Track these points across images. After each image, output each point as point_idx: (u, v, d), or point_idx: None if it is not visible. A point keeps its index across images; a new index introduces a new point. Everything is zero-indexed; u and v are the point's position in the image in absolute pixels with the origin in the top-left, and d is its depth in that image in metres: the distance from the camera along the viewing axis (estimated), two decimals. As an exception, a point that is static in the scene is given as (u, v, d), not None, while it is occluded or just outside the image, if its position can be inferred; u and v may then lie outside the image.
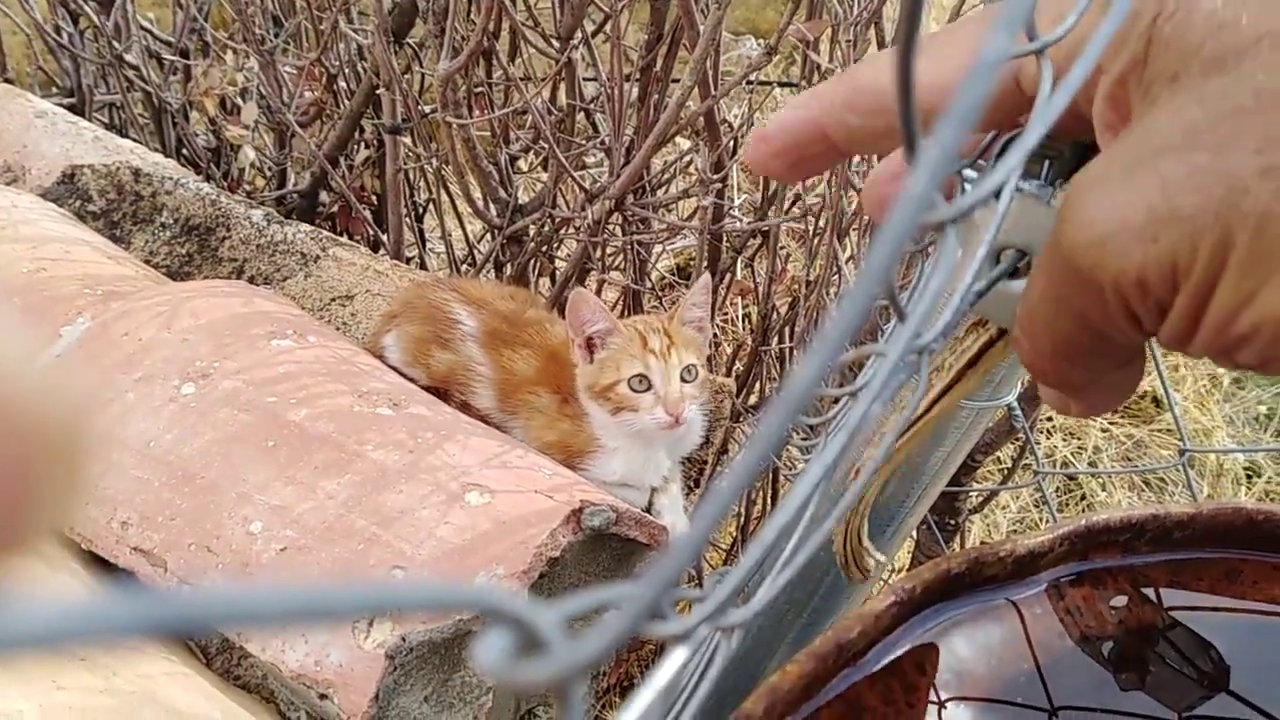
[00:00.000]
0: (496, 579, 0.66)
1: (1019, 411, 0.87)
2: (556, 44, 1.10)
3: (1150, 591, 0.46)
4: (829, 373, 0.16)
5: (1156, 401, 1.99)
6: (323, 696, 0.66)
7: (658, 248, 1.48)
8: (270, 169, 1.58)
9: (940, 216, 0.18)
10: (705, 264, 1.28)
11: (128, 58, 1.50)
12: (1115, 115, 0.25)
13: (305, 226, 1.29)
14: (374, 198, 1.51)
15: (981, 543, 0.41)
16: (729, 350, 1.74)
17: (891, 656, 0.37)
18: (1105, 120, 0.26)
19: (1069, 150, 0.35)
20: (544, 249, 1.23)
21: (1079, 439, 1.98)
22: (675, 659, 0.20)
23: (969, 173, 0.37)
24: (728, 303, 1.87)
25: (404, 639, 0.64)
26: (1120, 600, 0.46)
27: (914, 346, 0.28)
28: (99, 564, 0.76)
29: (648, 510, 0.94)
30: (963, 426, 0.59)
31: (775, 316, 1.33)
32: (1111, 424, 1.99)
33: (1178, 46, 0.22)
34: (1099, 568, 0.45)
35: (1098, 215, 0.23)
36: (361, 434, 0.77)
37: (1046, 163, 0.36)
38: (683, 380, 0.86)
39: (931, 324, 0.29)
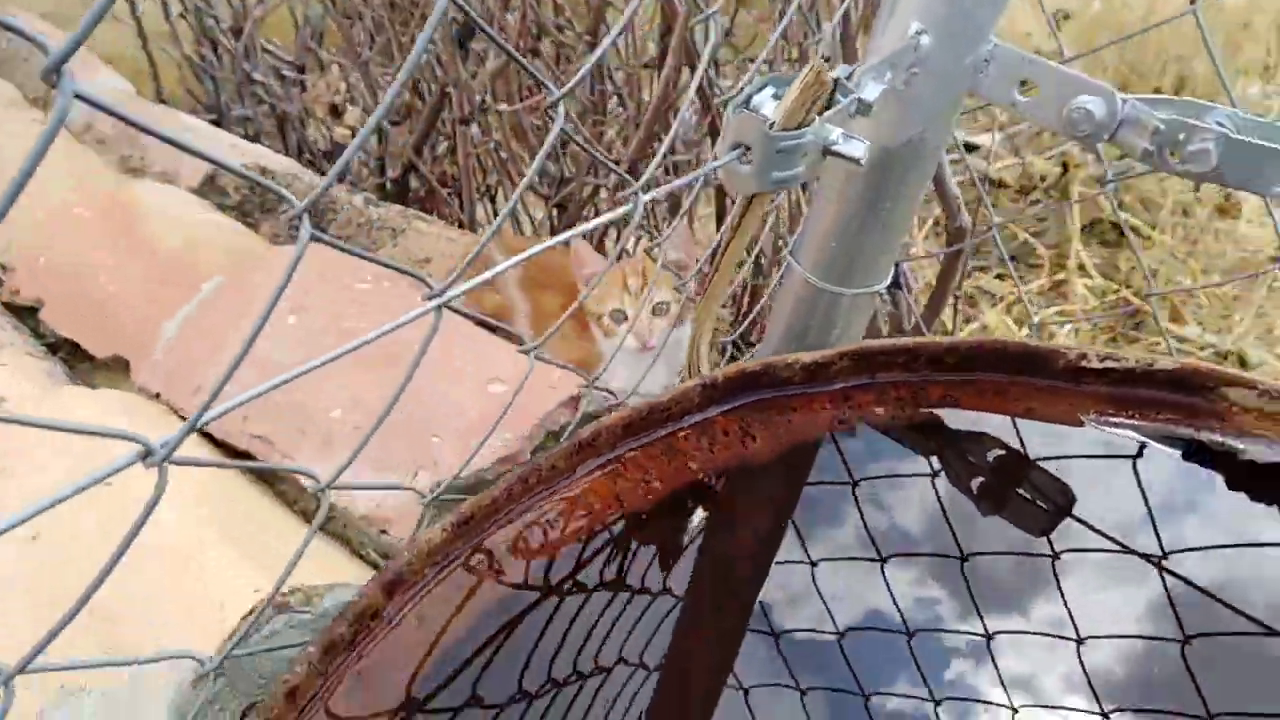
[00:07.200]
0: (505, 442, 0.87)
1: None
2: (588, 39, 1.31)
3: (932, 406, 0.62)
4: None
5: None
6: (383, 532, 0.89)
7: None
8: (372, 162, 1.86)
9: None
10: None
11: (255, 75, 1.80)
12: None
13: (395, 206, 1.54)
14: (454, 181, 1.75)
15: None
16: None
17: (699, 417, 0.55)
18: None
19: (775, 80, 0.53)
20: (583, 211, 1.44)
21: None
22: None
23: (758, 98, 0.55)
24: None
25: (439, 483, 0.86)
26: (996, 453, 0.62)
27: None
28: (224, 448, 1.01)
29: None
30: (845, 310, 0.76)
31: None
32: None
33: None
34: (885, 382, 0.62)
35: None
36: (413, 345, 1.00)
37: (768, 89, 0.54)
38: (654, 314, 1.05)
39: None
